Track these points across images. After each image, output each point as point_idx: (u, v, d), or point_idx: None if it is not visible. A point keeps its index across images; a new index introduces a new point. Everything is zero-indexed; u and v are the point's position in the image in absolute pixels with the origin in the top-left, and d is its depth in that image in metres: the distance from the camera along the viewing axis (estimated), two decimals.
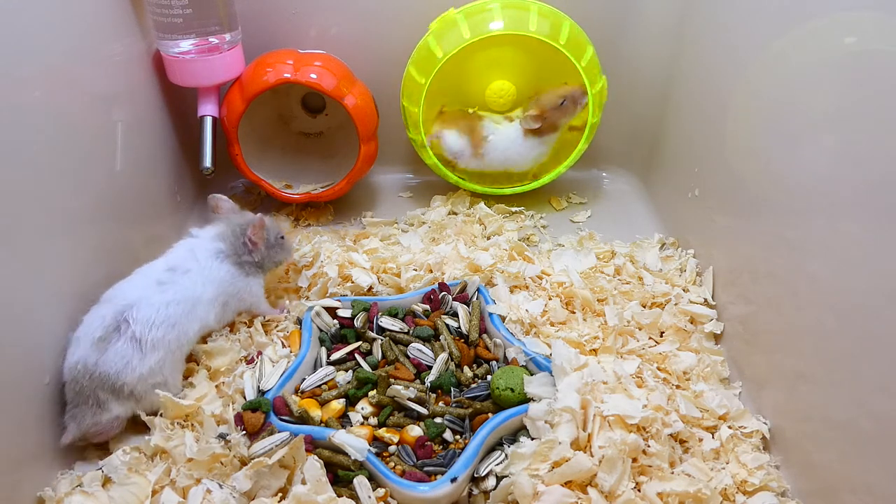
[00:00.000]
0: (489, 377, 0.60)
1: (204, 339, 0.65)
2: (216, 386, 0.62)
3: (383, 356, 0.62)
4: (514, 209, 0.89)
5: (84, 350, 0.55)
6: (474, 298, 0.69)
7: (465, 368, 0.62)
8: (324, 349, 0.64)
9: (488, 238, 0.83)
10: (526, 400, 0.56)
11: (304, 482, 0.50)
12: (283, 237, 0.70)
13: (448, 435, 0.56)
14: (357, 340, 0.64)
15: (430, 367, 0.61)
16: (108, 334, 0.56)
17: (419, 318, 0.66)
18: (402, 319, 0.66)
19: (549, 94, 0.84)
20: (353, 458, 0.52)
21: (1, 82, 0.51)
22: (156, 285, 0.60)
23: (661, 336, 0.68)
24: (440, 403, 0.58)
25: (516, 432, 0.56)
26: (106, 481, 0.53)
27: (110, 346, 0.56)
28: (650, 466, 0.53)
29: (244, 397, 0.58)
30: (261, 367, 0.61)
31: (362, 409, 0.57)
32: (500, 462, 0.53)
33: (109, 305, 0.58)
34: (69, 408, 0.55)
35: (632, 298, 0.72)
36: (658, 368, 0.64)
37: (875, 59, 0.48)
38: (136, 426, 0.58)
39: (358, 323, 0.65)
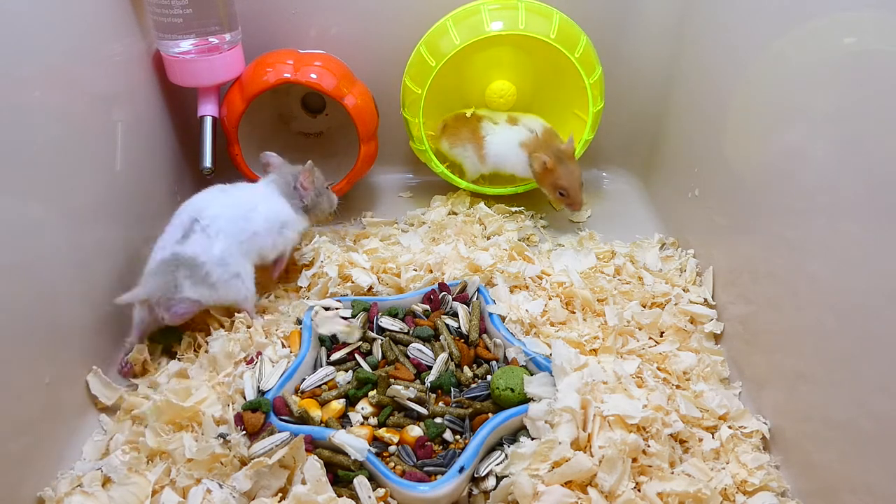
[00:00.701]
0: (489, 377, 0.60)
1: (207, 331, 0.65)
2: (215, 386, 0.62)
3: (383, 356, 0.62)
4: (514, 209, 0.89)
5: (168, 250, 0.64)
6: (474, 298, 0.69)
7: (465, 368, 0.62)
8: (324, 349, 0.64)
9: (488, 238, 0.83)
10: (526, 400, 0.56)
11: (304, 482, 0.50)
12: (328, 187, 0.78)
13: (448, 435, 0.56)
14: (357, 340, 0.64)
15: (430, 367, 0.61)
16: (186, 233, 0.65)
17: (419, 318, 0.66)
18: (402, 319, 0.66)
19: (569, 169, 0.81)
20: (353, 458, 0.52)
21: (1, 82, 0.51)
22: (219, 192, 0.71)
23: (661, 336, 0.68)
24: (440, 403, 0.58)
25: (516, 432, 0.56)
26: (106, 481, 0.53)
27: (188, 239, 0.65)
28: (650, 466, 0.53)
29: (244, 397, 0.58)
30: (261, 368, 0.61)
31: (362, 409, 0.57)
32: (500, 462, 0.53)
33: (184, 214, 0.67)
34: (144, 285, 0.63)
35: (632, 298, 0.72)
36: (658, 368, 0.64)
37: (875, 59, 0.48)
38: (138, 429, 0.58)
39: (358, 323, 0.65)
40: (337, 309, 0.67)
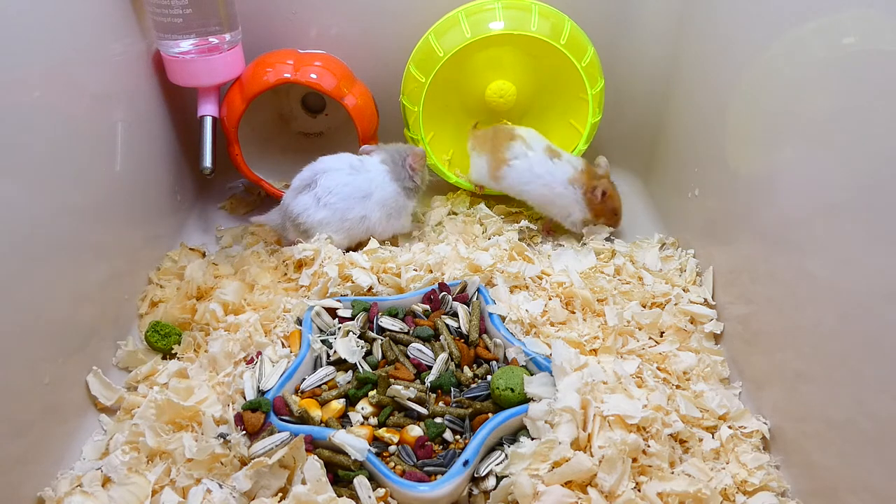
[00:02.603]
0: (489, 377, 0.60)
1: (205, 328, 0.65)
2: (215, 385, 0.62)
3: (383, 356, 0.62)
4: (514, 210, 0.89)
5: (288, 196, 0.78)
6: (474, 298, 0.69)
7: (465, 368, 0.62)
8: (324, 348, 0.64)
9: (489, 238, 0.83)
10: (526, 400, 0.56)
11: (304, 482, 0.50)
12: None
13: (448, 435, 0.56)
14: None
15: (430, 367, 0.61)
16: (302, 186, 0.77)
17: (419, 318, 0.66)
18: (402, 319, 0.66)
19: (616, 193, 0.83)
20: (353, 458, 0.52)
21: (1, 82, 0.51)
22: (348, 167, 0.78)
23: (661, 336, 0.68)
24: (440, 403, 0.58)
25: (516, 432, 0.56)
26: (106, 481, 0.53)
27: (301, 195, 0.76)
28: (650, 466, 0.53)
29: (244, 397, 0.58)
30: (261, 367, 0.61)
31: (362, 409, 0.57)
32: (500, 462, 0.53)
33: (311, 168, 0.78)
34: (272, 213, 0.80)
35: (632, 298, 0.72)
36: (658, 368, 0.64)
37: (875, 59, 0.48)
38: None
39: (358, 323, 0.65)
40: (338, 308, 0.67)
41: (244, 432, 0.54)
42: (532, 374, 0.59)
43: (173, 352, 0.67)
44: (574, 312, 0.70)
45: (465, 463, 0.51)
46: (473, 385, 0.60)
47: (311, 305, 0.67)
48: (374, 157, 0.81)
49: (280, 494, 0.51)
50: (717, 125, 0.73)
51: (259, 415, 0.55)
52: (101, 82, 0.66)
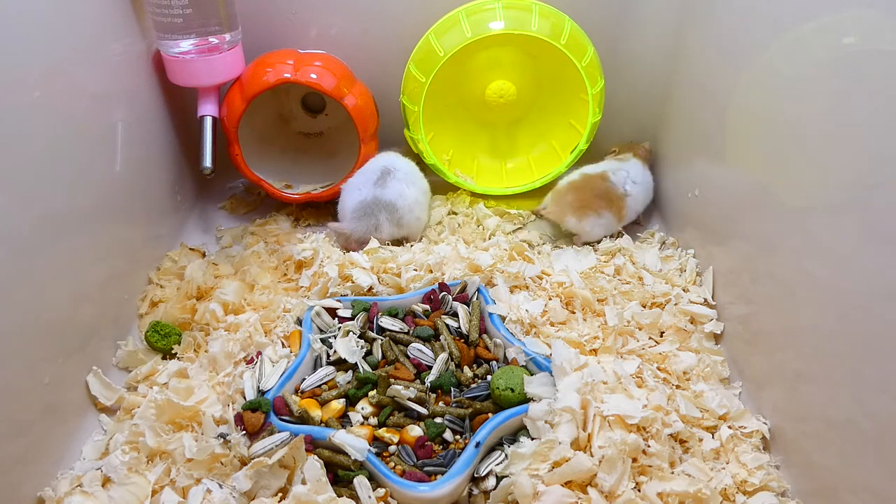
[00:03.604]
0: (489, 377, 0.60)
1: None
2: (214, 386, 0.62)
3: (383, 356, 0.62)
4: (513, 211, 0.89)
5: (368, 190, 0.79)
6: (474, 298, 0.69)
7: (465, 368, 0.62)
8: (324, 349, 0.64)
9: (490, 237, 0.83)
10: (526, 400, 0.56)
11: (304, 482, 0.50)
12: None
13: (448, 435, 0.56)
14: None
15: (430, 367, 0.61)
16: (383, 177, 0.79)
17: (419, 318, 0.66)
18: (402, 319, 0.66)
19: (628, 145, 0.92)
20: (353, 458, 0.52)
21: (1, 82, 0.51)
22: (396, 155, 0.85)
23: (661, 336, 0.68)
24: (440, 403, 0.58)
25: (516, 432, 0.56)
26: (105, 481, 0.53)
27: (388, 183, 0.79)
28: (650, 466, 0.53)
29: (244, 397, 0.58)
30: (261, 367, 0.61)
31: (362, 409, 0.57)
32: (500, 462, 0.53)
33: (373, 164, 0.82)
34: (354, 222, 0.78)
35: (632, 298, 0.72)
36: (658, 368, 0.64)
37: (875, 59, 0.48)
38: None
39: (358, 323, 0.65)
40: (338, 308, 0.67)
41: (244, 432, 0.54)
42: (532, 374, 0.59)
43: (173, 352, 0.67)
44: (574, 312, 0.70)
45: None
46: (473, 385, 0.60)
47: (311, 305, 0.67)
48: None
49: (280, 494, 0.51)
50: (717, 125, 0.73)
51: (259, 415, 0.55)
52: (101, 82, 0.66)
